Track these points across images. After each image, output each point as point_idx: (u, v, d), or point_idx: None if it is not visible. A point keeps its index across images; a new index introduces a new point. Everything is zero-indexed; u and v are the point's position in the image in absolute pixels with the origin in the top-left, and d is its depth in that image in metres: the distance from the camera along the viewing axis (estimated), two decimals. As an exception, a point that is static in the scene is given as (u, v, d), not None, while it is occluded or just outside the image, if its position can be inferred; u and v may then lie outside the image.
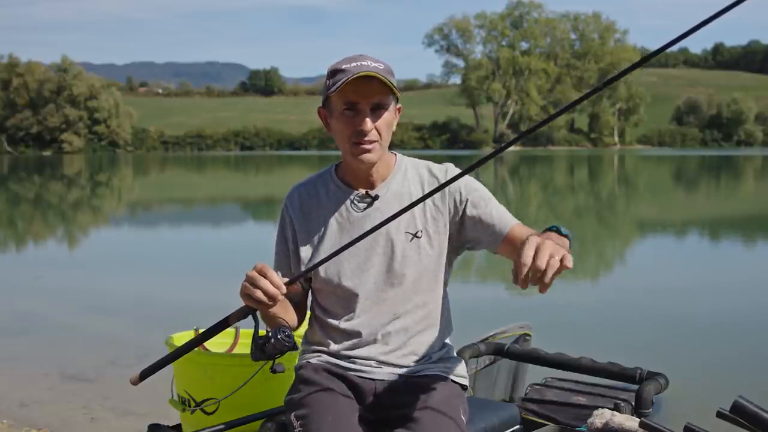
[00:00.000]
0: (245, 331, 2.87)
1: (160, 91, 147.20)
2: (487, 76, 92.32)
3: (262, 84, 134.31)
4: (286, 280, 1.95)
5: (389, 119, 2.11)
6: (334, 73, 2.08)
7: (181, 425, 2.61)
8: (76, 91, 79.82)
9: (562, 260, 1.64)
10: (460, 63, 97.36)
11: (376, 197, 2.16)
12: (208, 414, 2.47)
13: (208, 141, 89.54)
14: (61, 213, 20.51)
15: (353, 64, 2.05)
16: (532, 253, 1.63)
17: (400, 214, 1.80)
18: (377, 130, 2.09)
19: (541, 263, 1.62)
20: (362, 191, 2.17)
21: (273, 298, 1.91)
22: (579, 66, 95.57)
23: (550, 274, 1.62)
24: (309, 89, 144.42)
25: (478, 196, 2.15)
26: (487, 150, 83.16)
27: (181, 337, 2.80)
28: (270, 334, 1.96)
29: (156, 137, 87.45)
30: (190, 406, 2.52)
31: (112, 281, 9.56)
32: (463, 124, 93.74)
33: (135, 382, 2.05)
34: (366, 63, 2.06)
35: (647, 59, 1.57)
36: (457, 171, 2.18)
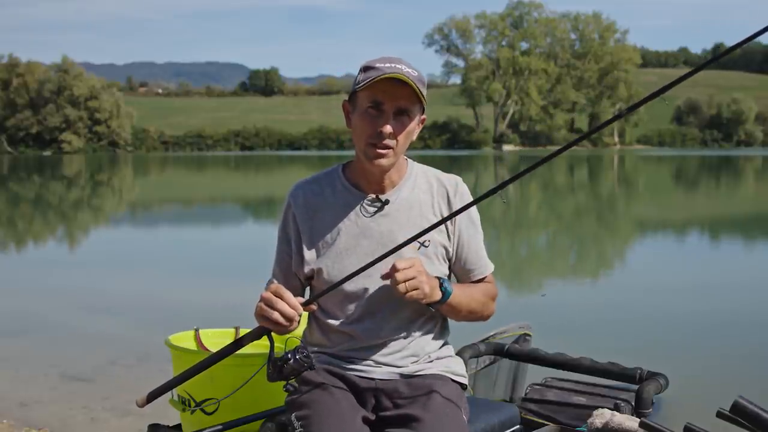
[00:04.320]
0: (245, 330, 2.87)
1: (160, 91, 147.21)
2: (487, 76, 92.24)
3: (262, 84, 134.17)
4: (302, 300, 1.95)
5: (411, 128, 2.10)
6: (366, 69, 2.07)
7: (181, 425, 2.61)
8: (77, 91, 79.74)
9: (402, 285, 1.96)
10: (460, 63, 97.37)
11: (387, 202, 2.15)
12: (208, 414, 2.46)
13: (208, 141, 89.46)
14: (61, 213, 20.50)
15: (387, 65, 2.04)
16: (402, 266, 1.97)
17: (428, 232, 1.94)
18: (396, 136, 2.07)
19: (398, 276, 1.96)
20: (372, 195, 2.16)
21: (291, 320, 1.91)
22: (579, 66, 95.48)
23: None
24: (309, 89, 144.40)
25: (473, 231, 2.21)
26: (487, 150, 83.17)
27: (181, 338, 2.79)
28: (288, 354, 1.94)
29: (156, 137, 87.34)
30: (190, 406, 2.51)
31: (112, 281, 9.56)
32: (463, 124, 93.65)
33: (142, 405, 2.05)
34: (400, 67, 2.04)
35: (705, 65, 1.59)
36: (465, 187, 2.22)
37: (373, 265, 1.92)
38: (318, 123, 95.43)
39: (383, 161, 2.09)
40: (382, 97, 2.04)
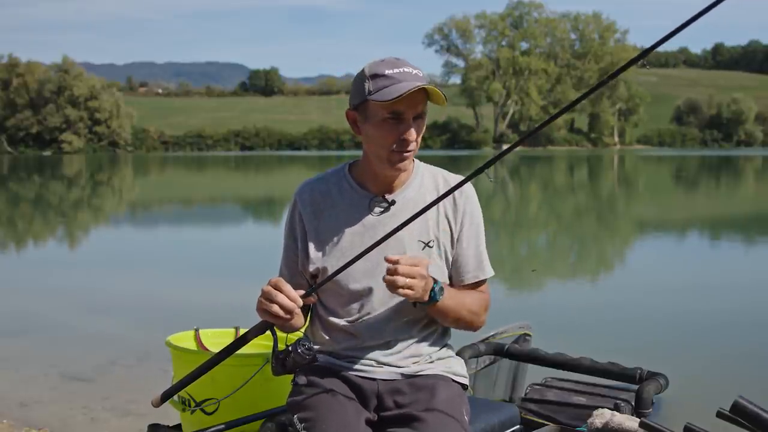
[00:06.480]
0: (245, 331, 2.87)
1: (160, 91, 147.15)
2: (487, 76, 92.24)
3: (262, 84, 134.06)
4: (302, 292, 1.96)
5: (424, 126, 2.13)
6: (374, 77, 2.05)
7: (181, 425, 2.61)
8: (77, 91, 79.73)
9: (397, 282, 1.93)
10: (460, 63, 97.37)
11: (393, 203, 2.15)
12: (208, 414, 2.46)
13: (208, 141, 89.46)
14: (61, 213, 20.50)
15: (396, 71, 2.04)
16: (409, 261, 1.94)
17: (413, 219, 1.88)
18: (416, 140, 2.10)
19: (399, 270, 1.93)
20: (379, 195, 2.16)
21: (290, 312, 1.92)
22: (579, 66, 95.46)
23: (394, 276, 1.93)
24: (309, 89, 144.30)
25: (473, 232, 2.19)
26: (487, 150, 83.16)
27: (181, 338, 2.80)
28: (290, 348, 1.95)
29: (156, 137, 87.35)
30: (190, 406, 2.51)
31: (112, 281, 9.56)
32: (463, 124, 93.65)
33: (157, 405, 2.06)
34: (409, 70, 2.05)
35: (647, 52, 1.61)
36: (472, 188, 2.21)
37: (367, 253, 1.91)
38: (318, 123, 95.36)
39: (407, 164, 2.12)
40: (401, 107, 2.04)
